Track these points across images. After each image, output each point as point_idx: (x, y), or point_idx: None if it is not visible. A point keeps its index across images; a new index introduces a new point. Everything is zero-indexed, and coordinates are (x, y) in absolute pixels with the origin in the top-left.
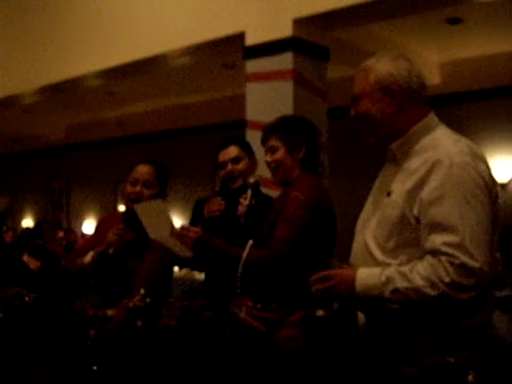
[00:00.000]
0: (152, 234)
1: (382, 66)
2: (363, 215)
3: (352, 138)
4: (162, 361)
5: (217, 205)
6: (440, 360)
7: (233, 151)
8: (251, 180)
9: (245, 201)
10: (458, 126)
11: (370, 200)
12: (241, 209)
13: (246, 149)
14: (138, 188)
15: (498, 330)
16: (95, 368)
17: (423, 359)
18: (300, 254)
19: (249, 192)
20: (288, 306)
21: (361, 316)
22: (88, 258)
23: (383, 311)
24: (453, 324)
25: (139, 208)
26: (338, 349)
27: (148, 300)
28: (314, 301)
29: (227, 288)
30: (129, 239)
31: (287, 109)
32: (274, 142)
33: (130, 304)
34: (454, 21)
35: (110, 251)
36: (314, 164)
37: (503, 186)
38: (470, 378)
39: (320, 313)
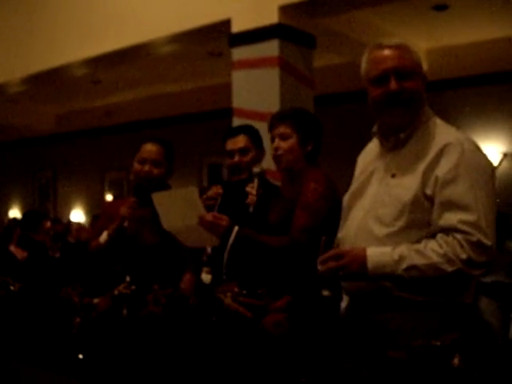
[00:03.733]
0: (166, 224)
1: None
2: (352, 197)
3: (339, 125)
4: (147, 348)
5: (214, 191)
6: (426, 343)
7: (241, 141)
8: (257, 169)
9: (252, 190)
10: (445, 112)
11: (358, 183)
12: (251, 197)
13: (255, 139)
14: (146, 167)
15: (485, 316)
16: (81, 356)
17: (409, 342)
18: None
19: (255, 181)
20: (274, 291)
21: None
22: (104, 236)
23: (370, 294)
24: (443, 303)
25: (155, 197)
26: (324, 334)
27: (133, 287)
28: (319, 281)
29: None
30: (140, 215)
31: (274, 96)
32: (285, 129)
33: (116, 291)
34: (441, 7)
35: (125, 224)
36: (315, 159)
37: None
38: (456, 361)
39: (326, 293)
